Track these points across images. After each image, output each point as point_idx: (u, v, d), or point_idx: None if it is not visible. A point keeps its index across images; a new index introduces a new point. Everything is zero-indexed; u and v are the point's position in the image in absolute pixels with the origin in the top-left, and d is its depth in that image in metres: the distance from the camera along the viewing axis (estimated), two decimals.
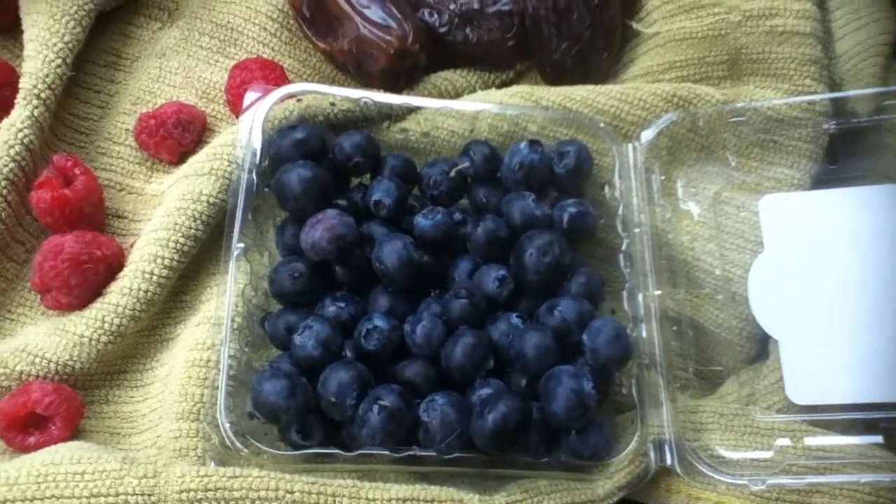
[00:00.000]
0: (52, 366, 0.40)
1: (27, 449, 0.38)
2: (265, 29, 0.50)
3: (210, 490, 0.34)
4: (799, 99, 0.48)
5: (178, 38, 0.49)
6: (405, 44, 0.47)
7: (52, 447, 0.37)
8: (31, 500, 0.33)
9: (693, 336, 0.45)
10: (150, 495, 0.34)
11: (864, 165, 0.49)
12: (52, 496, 0.33)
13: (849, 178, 0.48)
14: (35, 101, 0.43)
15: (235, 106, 0.47)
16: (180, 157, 0.46)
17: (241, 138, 0.42)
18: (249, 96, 0.44)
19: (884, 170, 0.49)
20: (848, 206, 0.46)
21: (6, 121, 0.42)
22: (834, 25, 0.53)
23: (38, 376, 0.40)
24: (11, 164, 0.41)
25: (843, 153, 0.49)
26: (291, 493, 0.35)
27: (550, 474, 0.40)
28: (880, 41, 0.53)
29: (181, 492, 0.34)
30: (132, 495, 0.33)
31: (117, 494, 0.33)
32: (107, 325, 0.40)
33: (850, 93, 0.49)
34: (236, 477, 0.35)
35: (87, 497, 0.33)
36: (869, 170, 0.49)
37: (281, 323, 0.42)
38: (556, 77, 0.51)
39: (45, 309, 0.42)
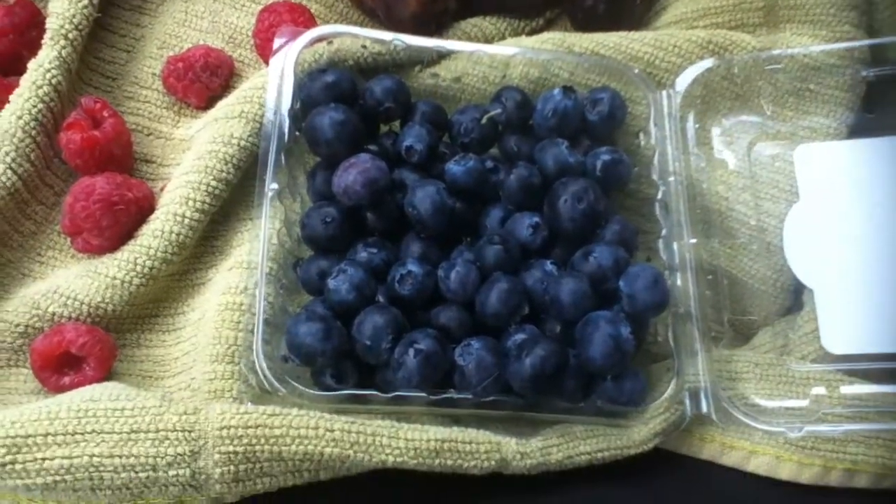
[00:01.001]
0: (85, 308, 0.40)
1: (61, 389, 0.38)
2: None
3: (250, 427, 0.34)
4: (837, 46, 0.47)
5: None
6: None
7: (90, 386, 0.37)
8: (73, 434, 0.33)
9: (727, 286, 0.45)
10: (190, 431, 0.34)
11: None
12: (93, 431, 0.33)
13: (886, 127, 0.47)
14: (63, 42, 0.42)
15: (264, 50, 0.47)
16: (208, 102, 0.46)
17: (271, 81, 0.42)
18: (279, 39, 0.43)
19: None
20: (885, 155, 0.46)
21: (33, 61, 0.42)
22: None
23: (70, 318, 0.40)
24: (40, 105, 0.41)
25: (881, 102, 0.48)
26: (332, 430, 0.35)
27: (586, 419, 0.40)
28: None
29: (221, 428, 0.34)
30: (172, 431, 0.34)
31: (157, 430, 0.34)
32: (139, 268, 0.40)
33: (890, 39, 0.48)
34: (276, 415, 0.35)
35: (126, 432, 0.33)
36: None
37: (313, 268, 0.42)
38: (587, 24, 0.50)
39: (76, 252, 0.42)
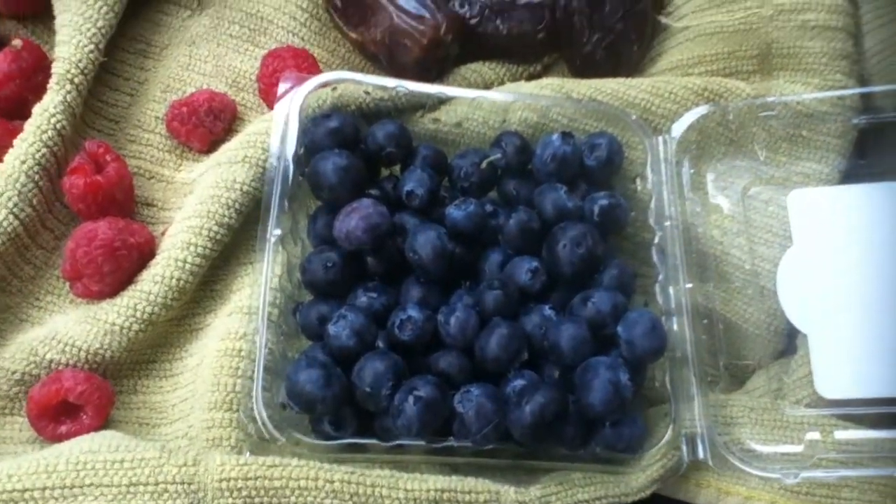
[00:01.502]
0: (83, 354, 0.38)
1: (58, 438, 0.36)
2: (295, 18, 0.48)
3: (250, 479, 0.33)
4: (829, 94, 0.46)
5: (208, 27, 0.48)
6: (438, 34, 0.46)
7: (87, 435, 0.35)
8: (71, 488, 0.32)
9: (723, 330, 0.44)
10: (189, 483, 0.32)
11: (892, 161, 0.48)
12: (91, 484, 0.32)
13: (877, 173, 0.46)
14: (68, 87, 0.41)
15: (267, 94, 0.46)
16: (211, 145, 0.45)
17: (276, 126, 0.41)
18: (283, 84, 0.42)
19: None
20: (876, 201, 0.45)
21: (39, 106, 0.41)
22: (867, 18, 0.52)
23: (68, 365, 0.38)
24: (44, 150, 0.40)
25: (872, 148, 0.47)
26: (331, 482, 0.34)
27: (584, 466, 0.38)
28: None
29: (221, 480, 0.33)
30: (171, 483, 0.32)
31: (157, 483, 0.32)
32: (138, 314, 0.39)
33: (879, 88, 0.47)
34: (276, 466, 0.33)
35: (126, 485, 0.32)
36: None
37: (313, 313, 0.40)
38: (586, 69, 0.49)
39: (74, 297, 0.40)
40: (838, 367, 0.42)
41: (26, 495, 0.31)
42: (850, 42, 0.47)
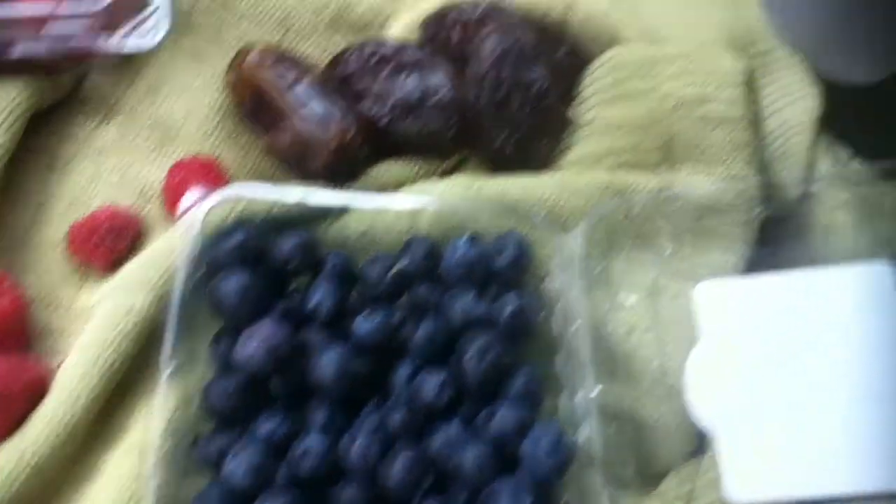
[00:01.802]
0: None
1: None
2: (205, 124, 0.45)
3: None
4: (730, 185, 0.44)
5: (116, 136, 0.44)
6: (346, 138, 0.42)
7: None
8: None
9: (633, 432, 0.41)
10: None
11: (796, 248, 0.45)
12: None
13: (782, 261, 0.43)
14: None
15: (173, 206, 0.42)
16: (114, 265, 0.41)
17: (178, 245, 0.37)
18: (186, 201, 0.39)
19: (815, 252, 0.45)
20: (782, 290, 0.42)
21: None
22: (764, 104, 0.49)
23: None
24: None
25: (776, 236, 0.45)
26: None
27: None
28: (806, 118, 0.49)
29: None
30: None
31: None
32: (26, 457, 0.35)
33: (781, 177, 0.45)
34: None
35: None
36: (801, 252, 0.45)
37: (213, 446, 0.37)
38: (497, 165, 0.46)
39: None
40: (746, 468, 0.39)
41: None
42: (750, 131, 0.45)
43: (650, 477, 0.40)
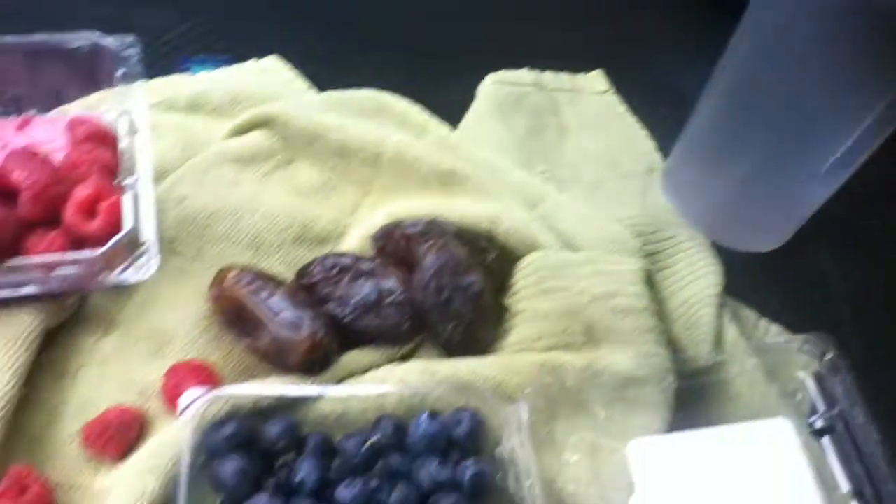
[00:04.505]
0: None
1: None
2: (192, 330, 0.61)
3: None
4: (644, 361, 0.62)
5: (116, 346, 0.60)
6: (316, 338, 0.59)
7: None
8: None
9: None
10: None
11: (708, 410, 0.63)
12: None
13: (697, 420, 0.61)
14: None
15: (171, 403, 0.57)
16: (124, 454, 0.55)
17: (181, 438, 0.52)
18: (184, 399, 0.54)
19: (724, 412, 0.63)
20: (700, 445, 0.58)
21: None
22: (673, 280, 0.69)
23: None
24: None
25: (689, 401, 0.62)
26: None
27: None
28: (710, 292, 0.69)
29: None
30: None
31: None
32: None
33: (687, 352, 0.64)
34: None
35: None
36: (713, 413, 0.63)
37: None
38: (446, 349, 0.63)
39: None
40: None
41: None
42: (655, 318, 0.63)
43: None
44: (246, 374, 0.60)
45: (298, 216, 0.69)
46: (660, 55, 0.95)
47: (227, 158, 0.69)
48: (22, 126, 0.66)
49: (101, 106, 0.68)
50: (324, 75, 0.82)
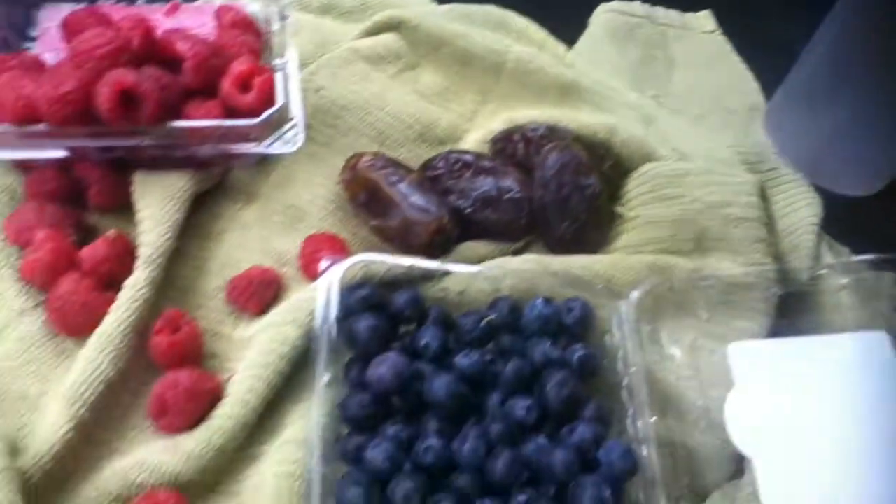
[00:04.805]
0: (167, 477, 0.50)
1: None
2: (325, 208, 0.65)
3: None
4: (751, 269, 0.64)
5: (256, 216, 0.64)
6: (442, 223, 0.62)
7: None
8: None
9: (683, 456, 0.57)
10: None
11: (806, 320, 0.64)
12: None
13: (796, 329, 0.63)
14: (152, 266, 0.56)
15: (307, 270, 0.61)
16: (262, 309, 0.59)
17: (320, 295, 0.56)
18: (324, 263, 0.58)
19: (823, 323, 0.65)
20: (797, 352, 0.61)
21: (129, 281, 0.55)
22: (776, 208, 0.70)
23: (153, 486, 0.50)
24: (134, 316, 0.54)
25: (790, 310, 0.64)
26: None
27: None
28: (810, 222, 0.70)
29: None
30: None
31: None
32: (212, 443, 0.51)
33: (791, 265, 0.65)
34: None
35: None
36: (811, 322, 0.64)
37: (351, 443, 0.53)
38: (558, 247, 0.66)
39: (156, 431, 0.53)
40: (780, 484, 0.55)
41: None
42: (765, 229, 0.65)
43: (699, 492, 0.57)
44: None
45: (421, 117, 0.72)
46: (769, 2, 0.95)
47: (360, 56, 0.72)
48: (170, 12, 0.70)
49: None
50: None
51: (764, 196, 0.68)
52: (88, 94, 0.53)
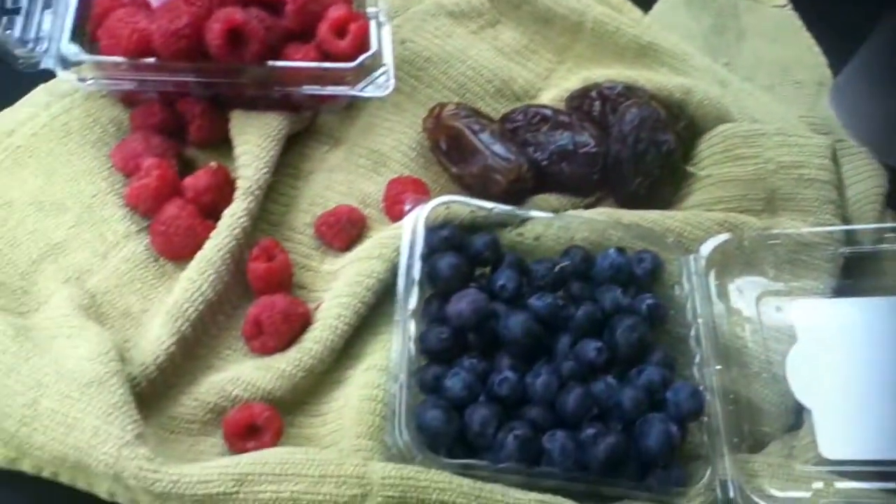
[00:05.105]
0: (260, 392, 0.53)
1: (245, 452, 0.51)
2: (407, 155, 0.67)
3: (404, 479, 0.47)
4: (820, 229, 0.64)
5: (342, 159, 0.66)
6: (521, 172, 0.64)
7: (273, 448, 0.50)
8: (279, 475, 0.46)
9: (745, 405, 0.59)
10: (361, 478, 0.47)
11: (870, 281, 0.65)
12: (293, 473, 0.46)
13: (859, 290, 0.64)
14: (250, 198, 0.59)
15: (390, 210, 0.63)
16: (347, 246, 0.62)
17: (405, 233, 0.58)
18: (408, 204, 0.60)
19: (883, 285, 0.65)
20: (859, 311, 0.62)
21: (228, 210, 0.58)
22: (843, 176, 0.71)
23: (247, 400, 0.53)
24: (233, 242, 0.57)
25: (854, 271, 0.64)
26: (461, 486, 0.48)
27: (643, 496, 0.53)
28: (875, 192, 0.71)
29: (384, 478, 0.47)
30: (350, 477, 0.47)
31: (338, 476, 0.47)
32: (302, 364, 0.54)
33: (858, 227, 0.66)
34: (422, 472, 0.48)
35: (317, 476, 0.46)
36: (873, 284, 0.65)
37: (429, 373, 0.56)
38: (629, 202, 0.67)
39: (248, 351, 0.56)
40: (837, 434, 0.57)
41: (248, 477, 0.46)
42: (836, 192, 0.66)
43: (760, 439, 0.59)
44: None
45: (500, 73, 0.73)
46: None
47: (444, 11, 0.74)
48: None
49: None
50: None
51: (835, 160, 0.68)
52: (199, 30, 0.55)
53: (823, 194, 0.66)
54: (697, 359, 0.59)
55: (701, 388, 0.57)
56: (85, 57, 0.57)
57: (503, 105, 0.73)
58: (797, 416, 0.59)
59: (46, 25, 0.59)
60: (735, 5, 0.89)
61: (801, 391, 0.59)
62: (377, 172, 0.66)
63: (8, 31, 0.56)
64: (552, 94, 0.73)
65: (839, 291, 0.64)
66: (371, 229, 0.64)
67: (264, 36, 0.57)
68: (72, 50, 0.57)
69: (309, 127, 0.67)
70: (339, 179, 0.65)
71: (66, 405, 0.47)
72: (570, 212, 0.66)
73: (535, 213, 0.63)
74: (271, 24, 0.60)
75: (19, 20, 0.58)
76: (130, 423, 0.47)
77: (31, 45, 0.57)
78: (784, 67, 0.86)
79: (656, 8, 0.85)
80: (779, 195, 0.66)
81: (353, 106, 0.68)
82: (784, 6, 0.92)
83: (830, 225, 0.65)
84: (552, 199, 0.67)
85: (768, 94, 0.81)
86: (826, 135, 0.75)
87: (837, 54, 0.84)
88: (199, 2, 0.56)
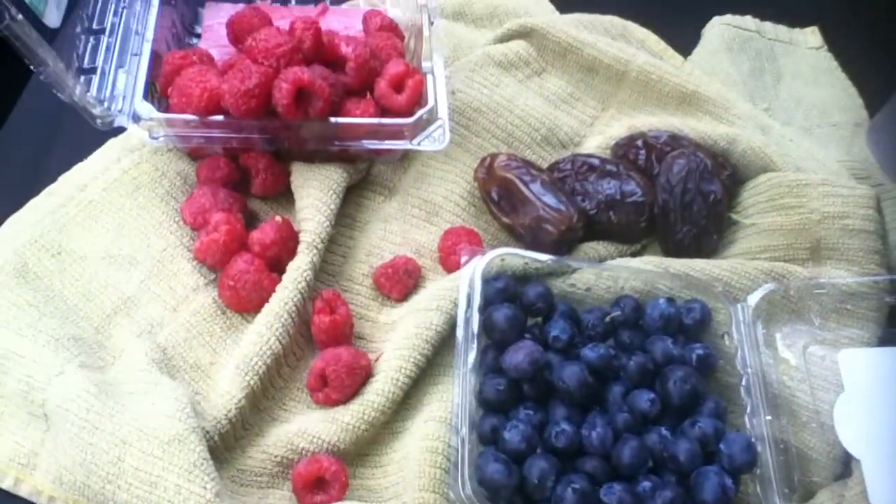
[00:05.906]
0: (325, 445, 0.53)
1: None
2: (459, 204, 0.67)
3: None
4: (865, 279, 0.64)
5: (396, 209, 0.67)
6: (572, 222, 0.64)
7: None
8: None
9: (795, 454, 0.59)
10: None
11: None
12: None
13: None
14: (313, 251, 0.59)
15: (445, 261, 0.64)
16: (403, 296, 0.62)
17: (462, 284, 0.58)
18: (465, 256, 0.61)
19: None
20: None
21: (293, 263, 0.59)
22: (886, 222, 0.70)
23: (313, 453, 0.54)
24: (298, 296, 0.57)
25: None
26: None
27: None
28: None
29: None
30: None
31: None
32: (365, 417, 0.54)
33: None
34: None
35: None
36: None
37: (487, 424, 0.56)
38: (675, 251, 0.67)
39: (312, 403, 0.57)
40: (887, 484, 0.56)
41: None
42: (880, 241, 0.65)
43: (809, 488, 0.58)
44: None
45: (546, 121, 0.74)
46: (877, 18, 0.94)
47: (492, 62, 0.74)
48: (321, 13, 0.73)
49: (384, 2, 0.75)
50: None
51: (879, 209, 0.68)
52: (268, 89, 0.56)
53: (868, 244, 0.65)
54: (748, 409, 0.58)
55: (753, 438, 0.57)
56: (157, 115, 0.58)
57: (548, 152, 0.73)
58: (845, 466, 0.59)
59: (120, 84, 0.60)
60: (772, 48, 0.89)
61: (850, 441, 0.58)
62: (430, 222, 0.67)
63: (86, 91, 0.56)
64: (597, 142, 0.74)
65: (885, 340, 0.64)
66: (426, 279, 0.64)
67: (329, 94, 0.57)
68: (145, 108, 0.58)
69: (365, 178, 0.68)
70: (393, 230, 0.66)
71: (149, 463, 0.48)
72: (619, 260, 0.66)
73: (585, 264, 0.63)
74: (334, 80, 0.60)
75: (95, 79, 0.59)
76: (209, 480, 0.48)
77: (106, 104, 0.58)
78: (821, 109, 0.86)
79: (696, 53, 0.85)
80: (824, 245, 0.66)
81: (405, 156, 0.69)
82: (820, 48, 0.91)
83: (876, 274, 0.65)
84: (599, 247, 0.67)
85: (807, 136, 0.81)
86: (866, 179, 0.75)
87: (873, 94, 0.84)
88: (267, 61, 0.57)
